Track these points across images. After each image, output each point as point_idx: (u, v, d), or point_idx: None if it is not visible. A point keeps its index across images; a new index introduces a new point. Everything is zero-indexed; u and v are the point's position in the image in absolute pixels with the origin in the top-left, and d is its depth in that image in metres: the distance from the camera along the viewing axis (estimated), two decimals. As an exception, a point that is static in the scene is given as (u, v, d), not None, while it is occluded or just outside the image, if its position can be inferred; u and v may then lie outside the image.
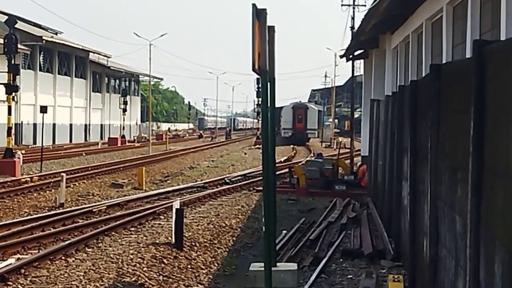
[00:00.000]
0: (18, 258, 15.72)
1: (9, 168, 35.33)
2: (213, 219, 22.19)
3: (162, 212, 22.89)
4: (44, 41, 71.24)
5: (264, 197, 11.12)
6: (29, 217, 22.02)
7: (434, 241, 9.71)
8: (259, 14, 10.63)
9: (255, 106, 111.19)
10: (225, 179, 34.71)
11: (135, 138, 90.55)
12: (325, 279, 14.20)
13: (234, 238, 19.73)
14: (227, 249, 18.30)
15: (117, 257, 15.97)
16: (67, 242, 17.13)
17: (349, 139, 43.15)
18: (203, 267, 16.20)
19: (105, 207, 23.97)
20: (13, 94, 38.53)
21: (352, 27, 52.23)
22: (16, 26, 44.49)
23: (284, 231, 19.36)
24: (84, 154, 55.51)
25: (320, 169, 30.83)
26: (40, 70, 75.29)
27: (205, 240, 18.92)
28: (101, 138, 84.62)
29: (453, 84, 8.87)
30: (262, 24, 10.69)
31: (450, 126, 8.92)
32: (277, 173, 35.69)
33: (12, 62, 37.38)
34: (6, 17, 45.89)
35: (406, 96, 14.09)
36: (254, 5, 10.54)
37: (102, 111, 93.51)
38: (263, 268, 10.90)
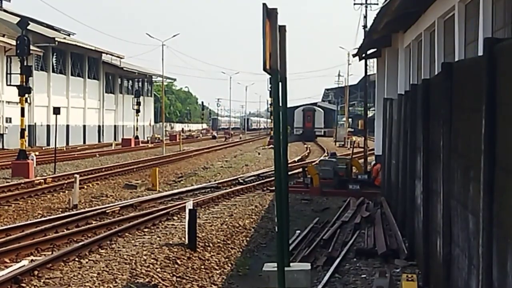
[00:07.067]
0: (32, 260, 15.76)
1: (23, 169, 35.42)
2: (226, 219, 22.18)
3: (176, 213, 22.91)
4: (56, 43, 71.46)
5: (276, 196, 11.08)
6: (43, 218, 22.09)
7: (447, 240, 9.68)
8: (269, 14, 10.59)
9: (268, 106, 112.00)
10: (239, 179, 34.71)
11: (149, 138, 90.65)
12: (339, 279, 14.17)
13: (247, 239, 19.71)
14: (240, 250, 18.30)
15: (131, 258, 15.98)
16: (80, 244, 17.15)
17: (363, 138, 43.04)
18: (216, 267, 16.20)
19: (118, 208, 24.01)
20: (26, 95, 38.60)
21: (365, 26, 52.15)
22: (29, 27, 44.72)
23: (298, 231, 19.34)
24: (97, 155, 55.59)
25: (333, 169, 30.76)
26: (53, 71, 75.51)
27: (219, 240, 18.92)
28: (115, 139, 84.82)
29: (465, 83, 8.83)
30: (273, 24, 10.65)
31: (462, 125, 8.88)
32: (291, 173, 35.74)
33: (25, 63, 37.43)
34: (19, 18, 46.07)
35: (419, 94, 14.04)
36: (264, 4, 10.50)
37: (115, 112, 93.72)
38: (276, 268, 10.87)
